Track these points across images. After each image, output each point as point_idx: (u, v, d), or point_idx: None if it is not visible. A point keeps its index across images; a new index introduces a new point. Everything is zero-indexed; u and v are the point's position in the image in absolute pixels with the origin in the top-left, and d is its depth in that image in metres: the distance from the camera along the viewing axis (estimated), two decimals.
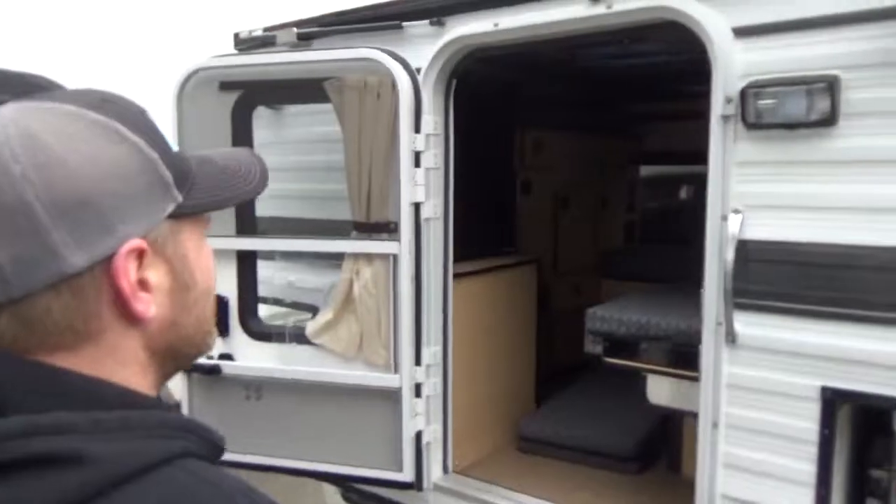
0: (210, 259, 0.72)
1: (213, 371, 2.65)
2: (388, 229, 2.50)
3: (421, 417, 2.58)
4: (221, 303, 2.63)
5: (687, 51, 2.02)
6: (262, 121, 2.86)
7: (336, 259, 2.58)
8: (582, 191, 4.15)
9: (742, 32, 1.86)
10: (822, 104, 1.75)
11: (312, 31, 2.74)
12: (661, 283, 3.48)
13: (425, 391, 2.59)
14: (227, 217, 2.63)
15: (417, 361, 2.56)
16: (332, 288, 2.63)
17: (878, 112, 1.69)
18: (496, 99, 3.40)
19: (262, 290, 2.80)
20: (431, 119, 2.50)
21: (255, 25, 3.07)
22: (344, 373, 2.57)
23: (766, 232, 1.88)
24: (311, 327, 2.63)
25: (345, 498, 2.96)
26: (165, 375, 0.71)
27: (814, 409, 1.84)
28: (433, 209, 2.53)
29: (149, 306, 0.64)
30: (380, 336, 2.54)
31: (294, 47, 2.78)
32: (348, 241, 2.53)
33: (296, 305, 2.76)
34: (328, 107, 2.57)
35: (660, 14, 1.98)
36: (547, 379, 3.56)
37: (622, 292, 3.52)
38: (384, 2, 2.60)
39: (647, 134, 4.65)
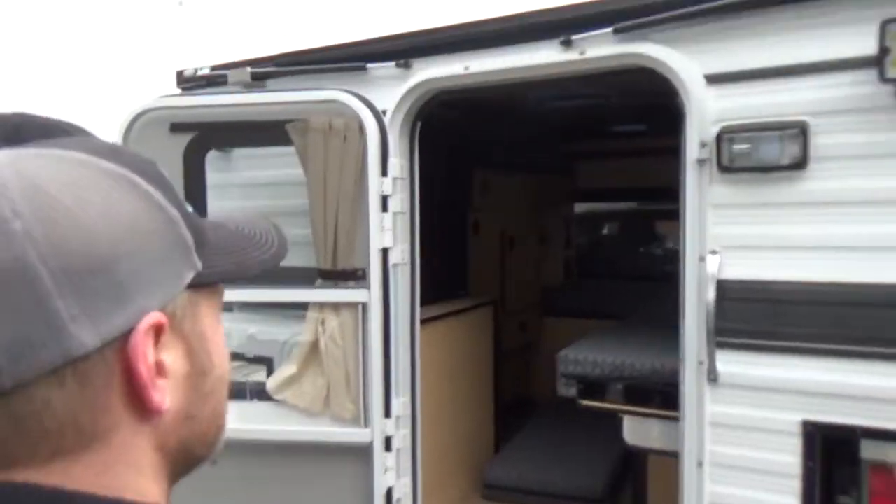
0: (223, 339, 0.62)
1: None
2: (355, 276, 2.42)
3: (392, 472, 2.47)
4: None
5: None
6: (208, 163, 2.73)
7: (299, 309, 2.47)
8: (525, 229, 4.20)
9: (714, 79, 1.93)
10: (794, 149, 1.83)
11: (268, 70, 2.65)
12: (601, 317, 3.55)
13: (395, 444, 2.49)
14: None
15: (387, 413, 2.46)
16: (293, 340, 2.51)
17: (844, 156, 1.79)
18: (450, 140, 3.41)
19: None
20: (398, 162, 2.45)
21: (191, 64, 2.97)
22: (310, 430, 2.44)
23: (742, 272, 1.93)
24: (271, 382, 2.48)
25: None
26: (172, 482, 0.58)
27: (796, 444, 1.89)
28: (401, 254, 2.47)
29: (165, 396, 0.52)
30: (348, 389, 2.43)
31: (247, 87, 2.69)
32: (314, 290, 2.43)
33: (259, 360, 2.61)
34: (284, 150, 2.49)
35: (633, 60, 2.03)
36: (498, 419, 3.53)
37: (564, 329, 3.56)
38: (344, 43, 2.55)
39: (581, 172, 4.79)
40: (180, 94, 2.68)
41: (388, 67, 2.45)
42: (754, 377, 1.92)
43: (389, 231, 2.41)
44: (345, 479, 2.44)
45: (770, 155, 1.85)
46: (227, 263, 0.60)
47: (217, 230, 0.61)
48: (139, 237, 0.51)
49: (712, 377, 1.97)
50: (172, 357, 0.53)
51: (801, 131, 1.81)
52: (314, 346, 2.44)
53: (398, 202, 2.46)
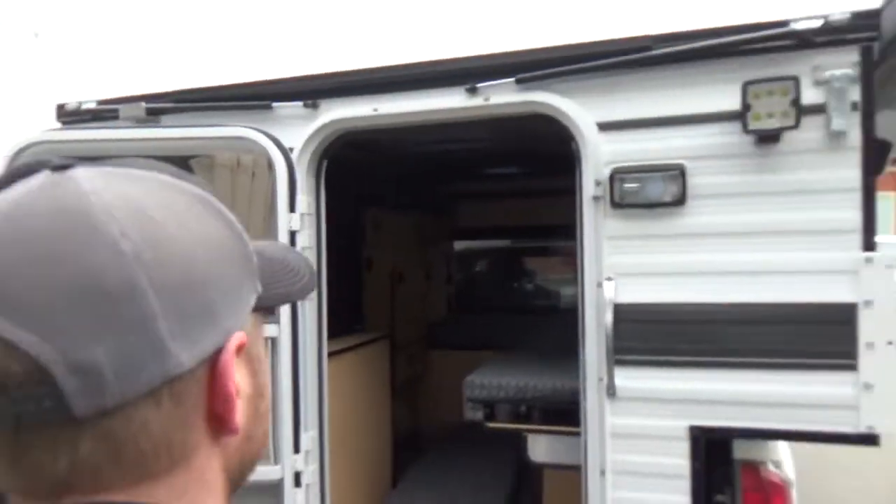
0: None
1: None
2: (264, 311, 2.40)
3: None
4: None
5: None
6: None
7: None
8: (413, 266, 4.33)
9: (605, 127, 2.18)
10: (674, 188, 2.11)
11: (165, 106, 2.60)
12: (479, 349, 3.74)
13: (305, 480, 2.47)
14: None
15: (296, 449, 2.44)
16: None
17: (715, 194, 2.09)
18: (346, 179, 3.47)
19: None
20: (305, 199, 2.49)
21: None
22: None
23: (634, 296, 2.17)
24: None
25: None
26: None
27: (684, 447, 2.13)
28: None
29: (240, 416, 0.53)
30: None
31: (138, 123, 2.61)
32: None
33: None
34: None
35: (534, 108, 2.25)
36: (395, 451, 3.59)
37: (448, 361, 3.71)
38: (247, 81, 2.57)
39: (460, 211, 5.03)
40: (66, 128, 2.55)
41: (296, 107, 2.50)
42: (648, 390, 2.15)
43: None
44: None
45: (655, 193, 2.12)
46: (277, 289, 0.61)
47: (259, 256, 0.60)
48: (226, 260, 0.53)
49: (611, 392, 2.17)
50: (240, 378, 0.54)
51: (680, 173, 2.09)
52: None
53: (306, 238, 2.49)
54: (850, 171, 2.00)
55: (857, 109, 1.99)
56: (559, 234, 4.25)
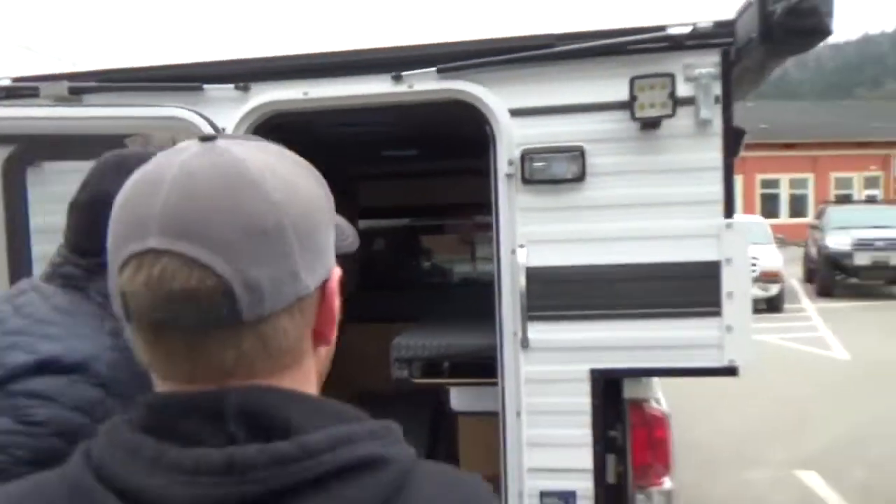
0: None
1: None
2: None
3: None
4: None
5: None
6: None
7: None
8: None
9: (516, 113, 2.49)
10: (575, 166, 2.46)
11: (89, 85, 2.63)
12: (384, 321, 4.00)
13: None
14: None
15: None
16: None
17: (609, 172, 2.46)
18: None
19: None
20: None
21: None
22: None
23: (541, 259, 2.50)
24: None
25: None
26: None
27: (586, 388, 2.50)
28: None
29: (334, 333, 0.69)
30: None
31: (58, 101, 2.63)
32: None
33: None
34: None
35: (453, 95, 2.52)
36: None
37: (358, 333, 3.95)
38: (178, 63, 2.65)
39: (361, 191, 5.23)
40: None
41: (227, 89, 2.62)
42: (555, 340, 2.50)
43: None
44: None
45: (559, 171, 2.46)
46: (337, 241, 0.72)
47: None
48: (326, 211, 0.68)
49: (525, 344, 2.50)
50: None
51: (580, 154, 2.45)
52: None
53: None
54: (714, 153, 2.43)
55: (719, 102, 2.42)
56: (459, 212, 4.57)
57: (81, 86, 2.62)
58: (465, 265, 5.46)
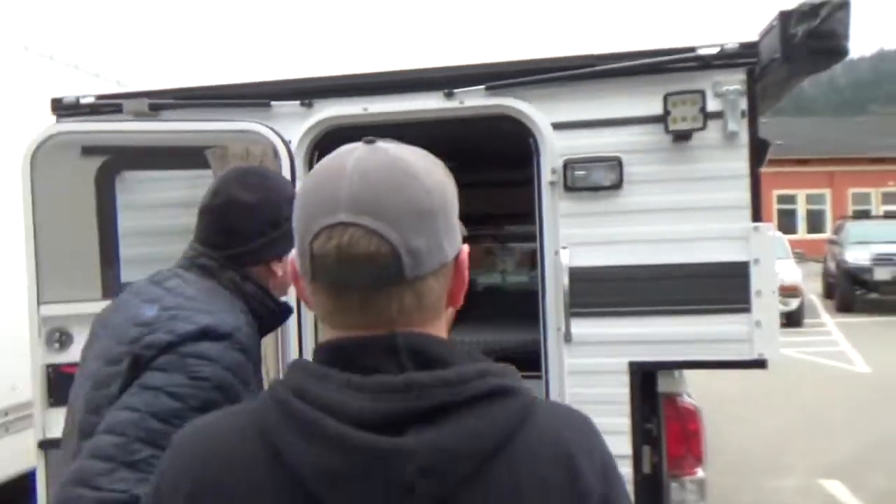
0: None
1: None
2: None
3: None
4: None
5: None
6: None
7: None
8: None
9: (558, 126, 2.72)
10: (613, 175, 2.68)
11: (167, 102, 2.89)
12: None
13: None
14: (91, 280, 2.59)
15: None
16: None
17: (645, 180, 2.68)
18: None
19: None
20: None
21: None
22: None
23: (583, 260, 2.71)
24: None
25: None
26: None
27: (625, 379, 2.70)
28: None
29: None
30: None
31: (138, 116, 2.89)
32: None
33: None
34: (189, 173, 2.76)
35: (500, 110, 2.75)
36: None
37: None
38: (248, 82, 2.91)
39: None
40: (85, 120, 2.79)
41: (293, 105, 2.87)
42: (596, 335, 2.70)
43: None
44: None
45: (599, 179, 2.68)
46: None
47: None
48: (456, 198, 0.84)
49: (568, 338, 2.70)
50: None
51: (618, 163, 2.66)
52: None
53: None
54: (741, 162, 2.64)
55: (745, 116, 2.63)
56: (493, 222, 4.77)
57: (160, 102, 2.88)
58: (494, 275, 5.65)
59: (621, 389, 2.69)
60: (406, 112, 2.80)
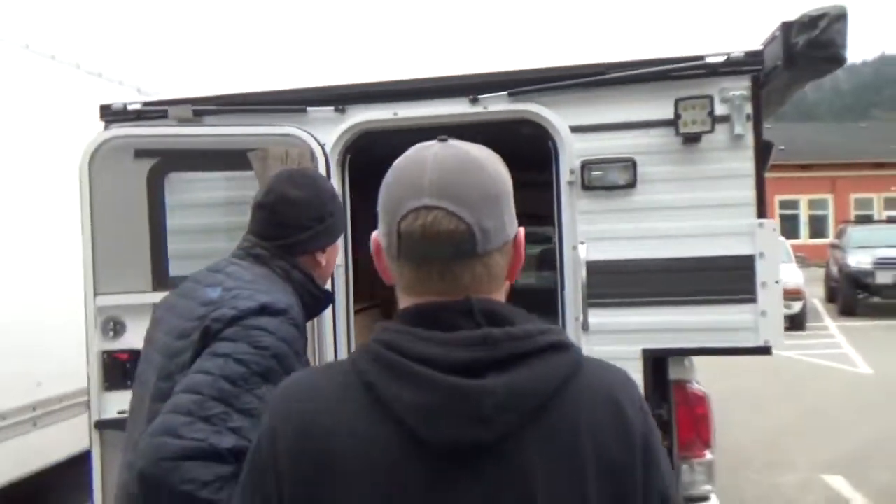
0: None
1: None
2: None
3: None
4: None
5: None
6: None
7: None
8: None
9: (576, 129, 2.91)
10: (627, 175, 2.87)
11: (209, 108, 3.09)
12: None
13: None
14: (143, 273, 2.79)
15: None
16: None
17: (657, 180, 2.87)
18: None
19: None
20: (337, 185, 3.06)
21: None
22: None
23: (599, 254, 2.90)
24: None
25: None
26: None
27: (639, 365, 2.88)
28: (341, 259, 3.06)
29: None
30: None
31: (182, 122, 3.09)
32: None
33: None
34: (230, 174, 2.96)
35: (522, 115, 2.94)
36: None
37: None
38: (286, 89, 3.11)
39: None
40: (137, 125, 2.99)
41: (327, 111, 3.07)
42: (612, 324, 2.88)
43: None
44: None
45: (614, 178, 2.87)
46: None
47: None
48: (511, 186, 0.98)
49: (585, 327, 2.89)
50: None
51: (632, 164, 2.86)
52: None
53: None
54: (747, 163, 2.84)
55: (750, 119, 2.82)
56: None
57: (203, 108, 3.08)
58: None
59: (635, 375, 2.81)
60: (433, 116, 3.00)
